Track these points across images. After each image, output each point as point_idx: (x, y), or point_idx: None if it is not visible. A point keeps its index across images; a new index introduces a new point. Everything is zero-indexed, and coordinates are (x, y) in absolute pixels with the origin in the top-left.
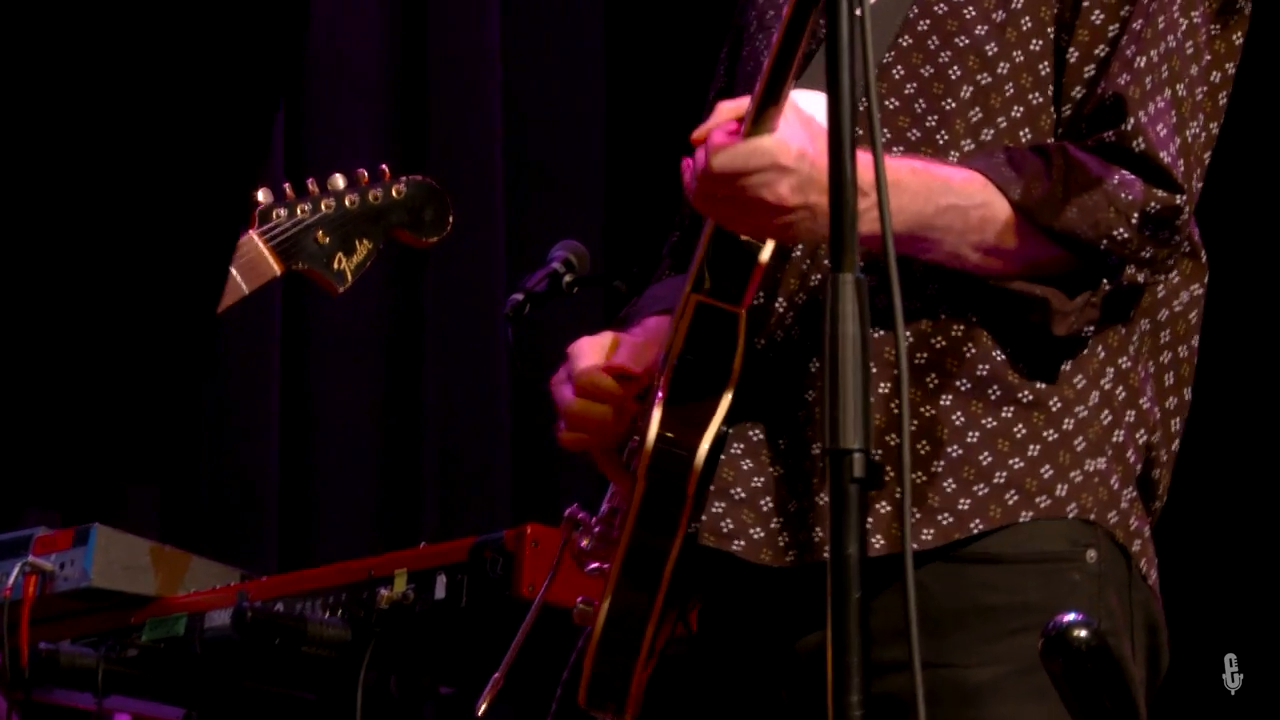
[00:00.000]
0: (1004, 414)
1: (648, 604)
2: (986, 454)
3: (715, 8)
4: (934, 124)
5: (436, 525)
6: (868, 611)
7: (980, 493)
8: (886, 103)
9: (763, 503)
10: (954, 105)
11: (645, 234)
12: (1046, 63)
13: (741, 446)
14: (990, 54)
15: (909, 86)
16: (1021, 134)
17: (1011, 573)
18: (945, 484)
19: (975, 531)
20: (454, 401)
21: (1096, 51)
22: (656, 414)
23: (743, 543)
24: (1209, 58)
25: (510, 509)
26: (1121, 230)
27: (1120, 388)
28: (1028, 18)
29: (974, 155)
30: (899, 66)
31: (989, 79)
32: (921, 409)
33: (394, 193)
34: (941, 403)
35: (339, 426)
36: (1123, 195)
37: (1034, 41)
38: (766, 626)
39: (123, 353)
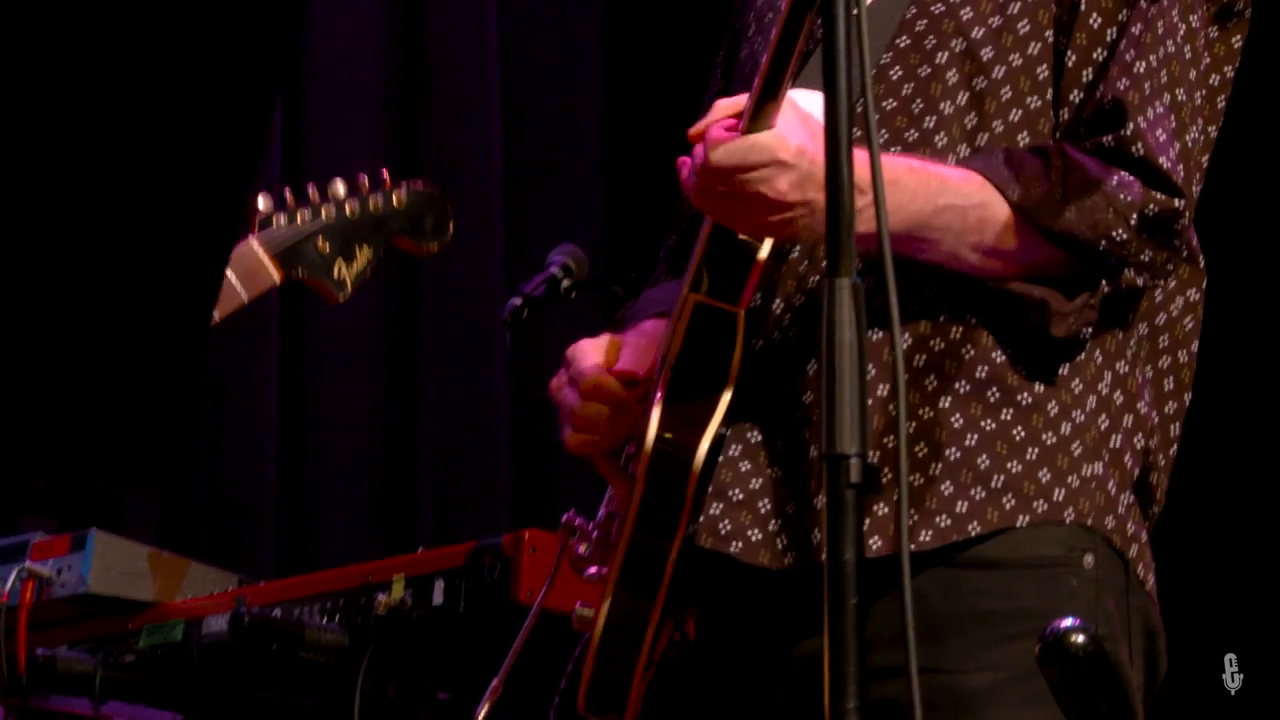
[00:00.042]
0: (1003, 416)
1: (647, 608)
2: (985, 457)
3: (712, 11)
4: (931, 126)
5: (435, 530)
6: (865, 617)
7: (978, 496)
8: (884, 104)
9: (761, 504)
10: (951, 109)
11: (643, 239)
12: (1044, 66)
13: (740, 448)
14: (987, 58)
15: (906, 88)
16: (1019, 138)
17: (1008, 578)
18: (943, 487)
19: (973, 534)
20: (452, 406)
21: (1095, 56)
22: (655, 415)
23: (741, 545)
24: (1208, 61)
25: (509, 513)
26: (1120, 231)
27: (1118, 392)
28: (1025, 21)
29: (970, 158)
30: (896, 68)
31: (985, 83)
32: (920, 411)
33: (395, 200)
34: (940, 405)
35: (337, 431)
36: (1122, 196)
37: (1031, 45)
38: (764, 630)
39: (118, 358)
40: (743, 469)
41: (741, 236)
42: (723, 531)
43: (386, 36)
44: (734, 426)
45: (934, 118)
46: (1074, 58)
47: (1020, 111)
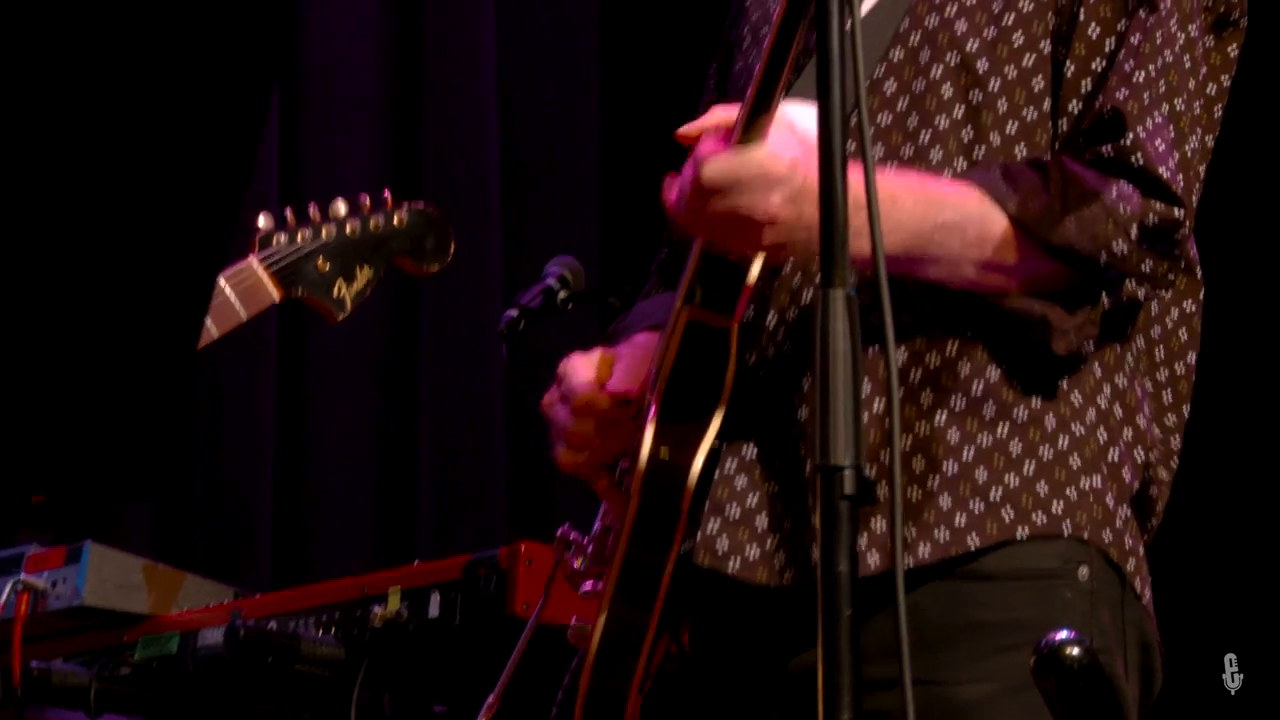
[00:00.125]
0: (999, 432)
1: (643, 622)
2: (982, 470)
3: (709, 22)
4: (927, 141)
5: (431, 542)
6: (859, 630)
7: (977, 510)
8: (878, 118)
9: (757, 521)
10: (947, 123)
11: (641, 250)
12: (1040, 78)
13: (735, 463)
14: (982, 70)
15: (901, 101)
16: (1016, 150)
17: (1003, 589)
18: (941, 501)
19: (972, 549)
20: (449, 417)
21: (1094, 66)
22: (649, 431)
23: (738, 563)
24: (1205, 70)
25: (506, 525)
26: (1120, 242)
27: (1117, 405)
28: (1020, 33)
29: (968, 172)
30: (890, 80)
31: (981, 96)
32: (916, 426)
33: (395, 220)
34: (936, 421)
35: (333, 443)
36: (1121, 209)
37: (1027, 57)
38: (760, 645)
39: (111, 369)
40: (739, 485)
41: None
42: (720, 550)
43: (384, 46)
44: (729, 442)
45: (929, 132)
46: (1073, 68)
47: (1017, 124)
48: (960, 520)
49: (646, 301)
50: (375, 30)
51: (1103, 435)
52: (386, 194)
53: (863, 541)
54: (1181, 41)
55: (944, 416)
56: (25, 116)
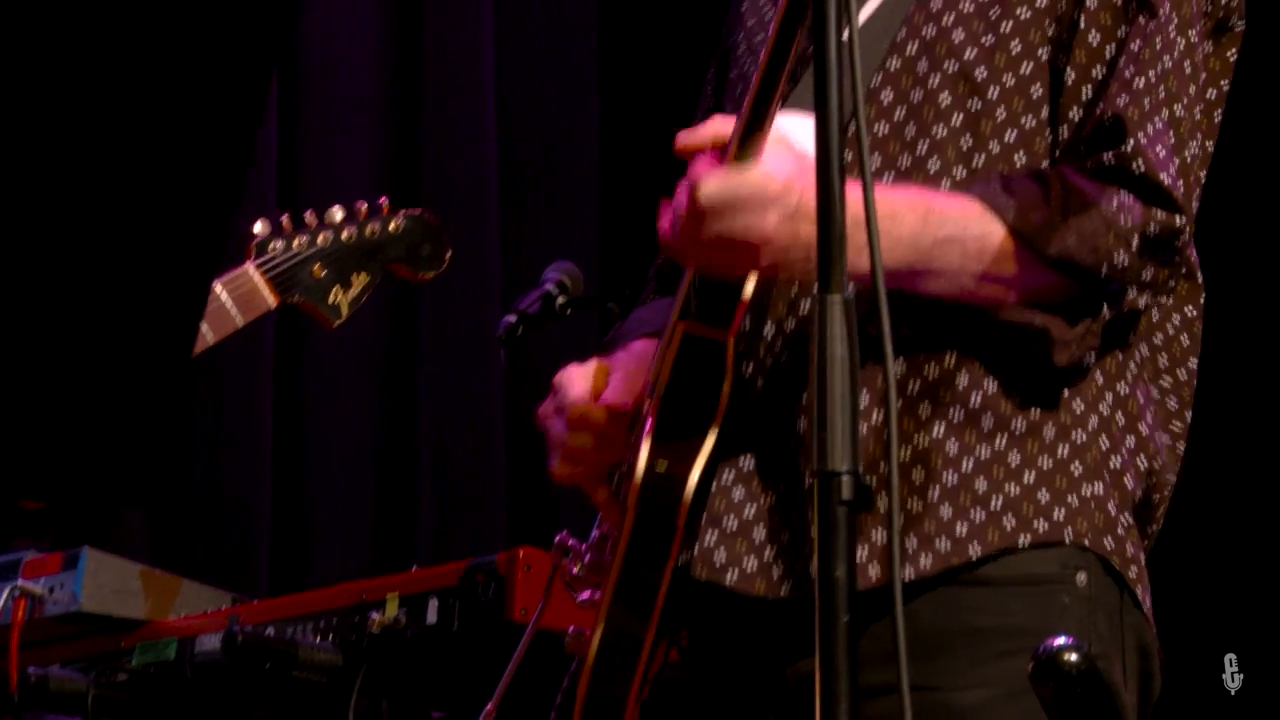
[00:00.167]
0: (997, 444)
1: (640, 633)
2: (982, 480)
3: (709, 23)
4: (925, 150)
5: (430, 548)
6: (857, 636)
7: (978, 519)
8: (876, 127)
9: (755, 533)
10: (946, 132)
11: (639, 256)
12: (1039, 85)
13: (733, 475)
14: (980, 79)
15: (899, 111)
16: (1015, 158)
17: (1000, 595)
18: (942, 511)
19: (974, 558)
20: (447, 423)
21: (1094, 73)
22: (645, 444)
23: (736, 575)
24: (1205, 76)
25: (505, 531)
26: (1122, 254)
27: (1119, 413)
28: (1017, 40)
29: (967, 182)
30: (888, 89)
31: (980, 104)
32: (915, 438)
33: (391, 227)
34: (934, 432)
35: (331, 449)
36: (1122, 220)
37: (1024, 65)
38: (757, 654)
39: (107, 375)
40: (736, 497)
41: None
42: (718, 563)
43: (385, 38)
44: (727, 453)
45: (928, 141)
46: (1073, 75)
47: (1015, 131)
48: (961, 530)
49: (644, 308)
50: (375, 30)
51: (1104, 443)
52: (383, 201)
53: (862, 553)
54: (1181, 47)
55: (942, 428)
56: (23, 117)
